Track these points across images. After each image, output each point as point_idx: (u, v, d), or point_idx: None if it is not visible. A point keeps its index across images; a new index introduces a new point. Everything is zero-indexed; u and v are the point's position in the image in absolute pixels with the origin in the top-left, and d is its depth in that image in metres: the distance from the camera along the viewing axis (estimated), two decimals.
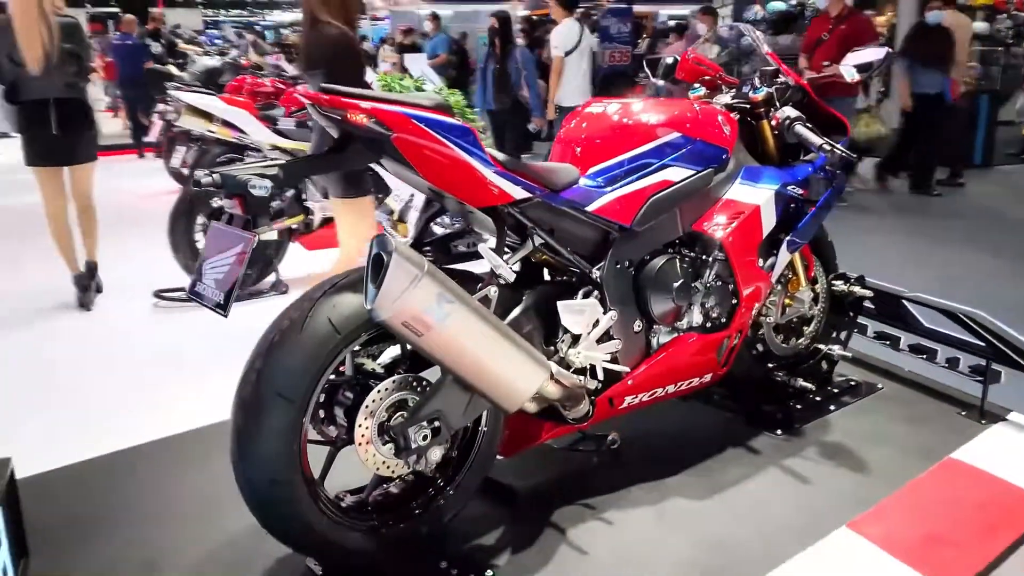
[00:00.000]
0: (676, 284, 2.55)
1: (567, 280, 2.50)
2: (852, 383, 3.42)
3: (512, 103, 7.69)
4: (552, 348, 2.38)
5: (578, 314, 2.35)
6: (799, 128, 2.71)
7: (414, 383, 2.18)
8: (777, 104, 2.86)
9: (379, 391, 2.13)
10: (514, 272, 2.23)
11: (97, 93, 14.29)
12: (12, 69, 4.49)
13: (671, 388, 2.71)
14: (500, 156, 2.17)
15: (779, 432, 3.02)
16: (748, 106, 2.89)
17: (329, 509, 2.13)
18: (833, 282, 3.34)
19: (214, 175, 1.86)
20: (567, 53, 7.25)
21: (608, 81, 14.07)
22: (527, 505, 2.57)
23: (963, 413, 3.16)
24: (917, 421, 3.13)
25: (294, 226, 4.90)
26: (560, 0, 7.26)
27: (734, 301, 2.74)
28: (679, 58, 3.09)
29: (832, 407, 3.23)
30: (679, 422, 3.14)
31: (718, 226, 2.62)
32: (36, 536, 2.37)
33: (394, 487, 2.34)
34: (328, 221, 4.91)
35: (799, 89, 2.93)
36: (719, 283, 2.69)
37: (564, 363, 2.37)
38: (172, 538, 2.43)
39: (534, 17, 15.77)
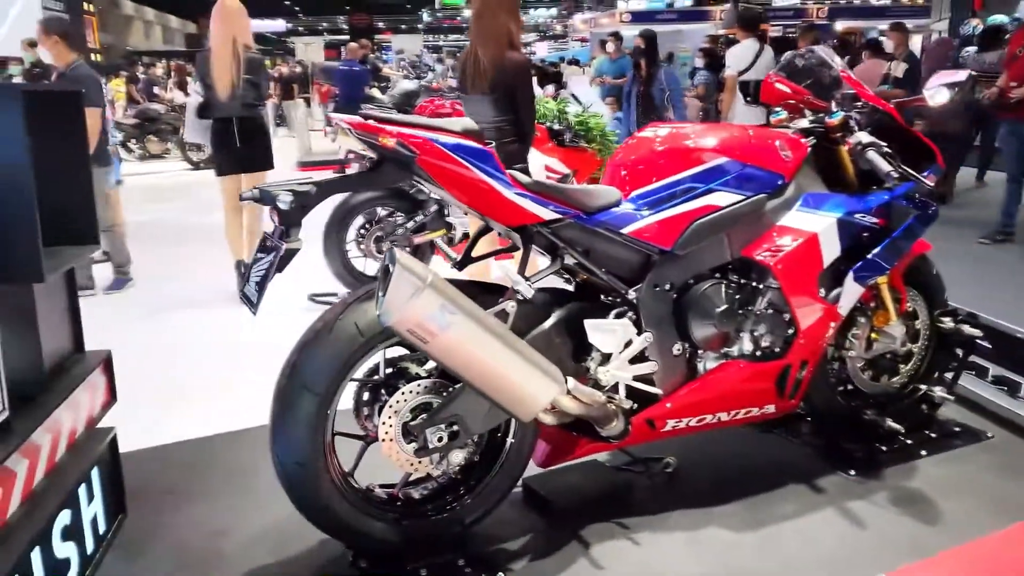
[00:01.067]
0: (719, 309, 2.53)
1: (605, 299, 2.55)
2: (956, 429, 3.18)
3: None
4: (582, 364, 2.44)
5: (607, 333, 2.40)
6: (870, 154, 2.60)
7: (440, 388, 2.33)
8: (855, 129, 2.75)
9: (404, 392, 2.29)
10: (534, 289, 2.32)
11: (318, 114, 15.67)
12: (204, 91, 5.44)
13: (724, 416, 2.68)
14: (524, 178, 2.28)
15: (852, 472, 2.88)
16: (823, 131, 2.80)
17: (353, 496, 2.32)
18: (940, 318, 3.13)
19: (255, 189, 2.11)
20: (741, 72, 7.21)
21: None
22: (560, 517, 2.63)
23: None
24: (1013, 475, 2.87)
25: (438, 239, 5.20)
26: (741, 20, 7.28)
27: (790, 331, 2.67)
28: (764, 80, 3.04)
29: (924, 452, 3.02)
30: (749, 452, 3.07)
31: (769, 253, 2.57)
32: (137, 499, 2.73)
33: (422, 485, 2.49)
34: (466, 236, 5.16)
35: (883, 114, 2.80)
36: (771, 311, 2.63)
37: (594, 380, 2.43)
38: (244, 512, 2.72)
39: (722, 36, 15.48)
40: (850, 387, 3.07)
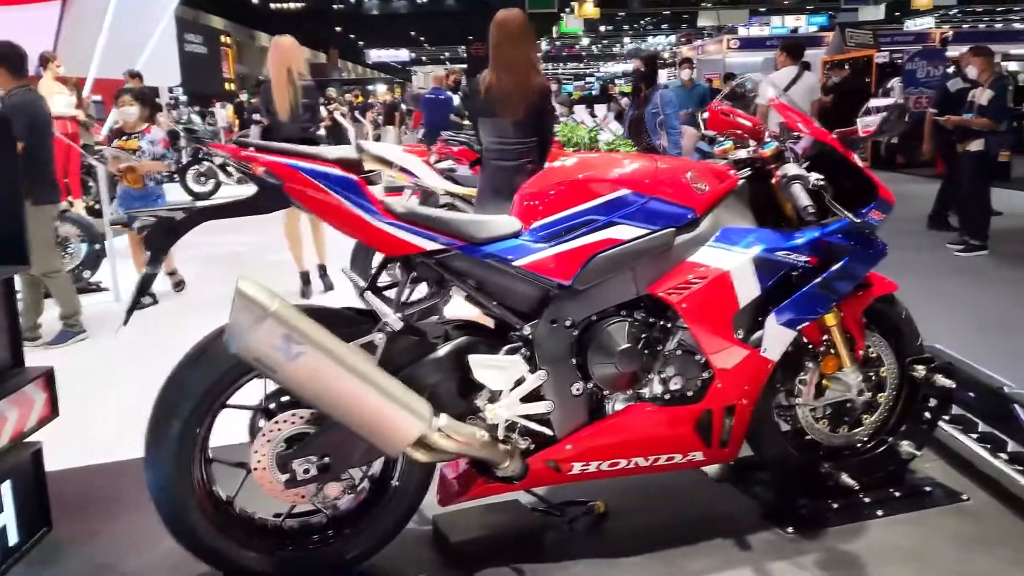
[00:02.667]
0: (620, 348, 2.40)
1: (498, 335, 2.46)
2: (927, 488, 2.89)
3: (645, 151, 7.33)
4: (471, 401, 2.36)
5: (495, 370, 2.31)
6: (793, 187, 2.41)
7: (319, 419, 2.29)
8: (788, 160, 2.57)
9: (278, 421, 2.27)
10: (402, 322, 2.26)
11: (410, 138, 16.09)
12: (268, 116, 6.08)
13: (641, 461, 2.54)
14: (398, 208, 2.23)
15: (789, 530, 2.66)
16: (760, 163, 2.63)
17: (224, 523, 2.31)
18: (913, 366, 2.88)
19: (125, 212, 2.16)
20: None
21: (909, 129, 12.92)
22: (457, 559, 2.54)
23: None
24: (979, 544, 2.58)
25: None
26: (787, 48, 7.20)
27: (705, 374, 2.50)
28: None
29: (880, 512, 2.76)
30: (691, 499, 2.90)
31: (676, 290, 2.41)
32: (72, 514, 2.80)
33: (306, 518, 2.46)
34: None
35: (823, 145, 2.60)
36: (680, 353, 2.47)
37: (483, 419, 2.35)
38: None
39: (838, 61, 14.91)
40: (808, 437, 2.86)
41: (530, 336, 2.38)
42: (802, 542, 2.61)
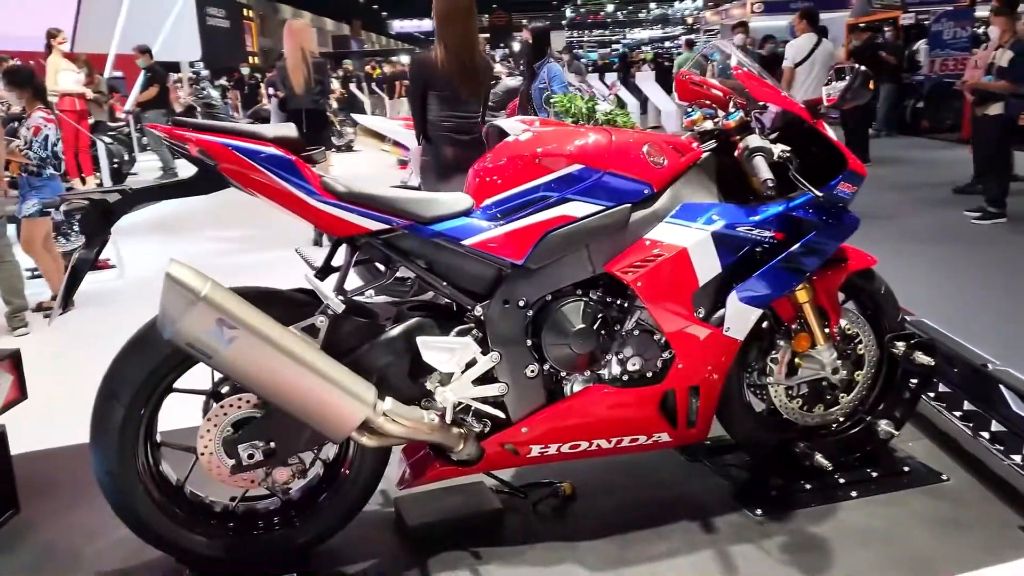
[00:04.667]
0: (574, 329, 2.33)
1: (447, 316, 2.39)
2: (906, 468, 2.81)
3: None
4: (422, 385, 2.31)
5: (444, 352, 2.26)
6: (755, 160, 2.31)
7: (265, 402, 2.25)
8: (754, 131, 2.46)
9: (224, 406, 2.24)
10: (343, 304, 2.20)
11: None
12: (283, 90, 6.75)
13: (604, 443, 2.48)
14: (338, 187, 2.17)
15: (758, 512, 2.59)
16: (722, 134, 2.53)
17: (172, 508, 2.28)
18: (895, 342, 2.78)
19: (56, 196, 2.12)
20: (797, 64, 7.36)
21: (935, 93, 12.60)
22: (416, 542, 2.50)
23: None
24: (953, 527, 2.50)
25: None
26: (805, 14, 7.13)
27: (665, 354, 2.43)
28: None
29: (855, 493, 2.68)
30: (661, 481, 2.83)
31: (630, 269, 2.33)
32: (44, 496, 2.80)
33: (259, 502, 2.43)
34: None
35: (792, 116, 2.49)
36: (638, 333, 2.40)
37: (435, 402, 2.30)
38: None
39: (860, 24, 14.52)
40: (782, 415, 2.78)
41: (482, 317, 2.32)
42: (769, 524, 2.54)
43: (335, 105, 14.28)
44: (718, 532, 2.51)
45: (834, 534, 2.48)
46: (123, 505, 2.24)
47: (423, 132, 4.31)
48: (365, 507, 2.51)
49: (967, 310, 4.63)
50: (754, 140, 2.35)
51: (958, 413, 2.94)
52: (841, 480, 2.73)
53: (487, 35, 36.29)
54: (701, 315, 2.41)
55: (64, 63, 9.47)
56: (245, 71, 22.74)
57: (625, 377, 2.42)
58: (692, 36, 18.51)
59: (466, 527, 2.56)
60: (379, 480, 2.42)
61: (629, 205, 2.34)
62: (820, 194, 2.34)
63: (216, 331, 1.97)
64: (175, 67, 20.06)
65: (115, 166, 10.31)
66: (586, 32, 52.84)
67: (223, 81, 22.56)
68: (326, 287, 2.20)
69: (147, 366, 2.18)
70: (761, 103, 2.51)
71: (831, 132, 2.54)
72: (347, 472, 2.37)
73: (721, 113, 2.63)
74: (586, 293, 2.39)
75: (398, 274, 2.38)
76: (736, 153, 2.40)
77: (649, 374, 2.44)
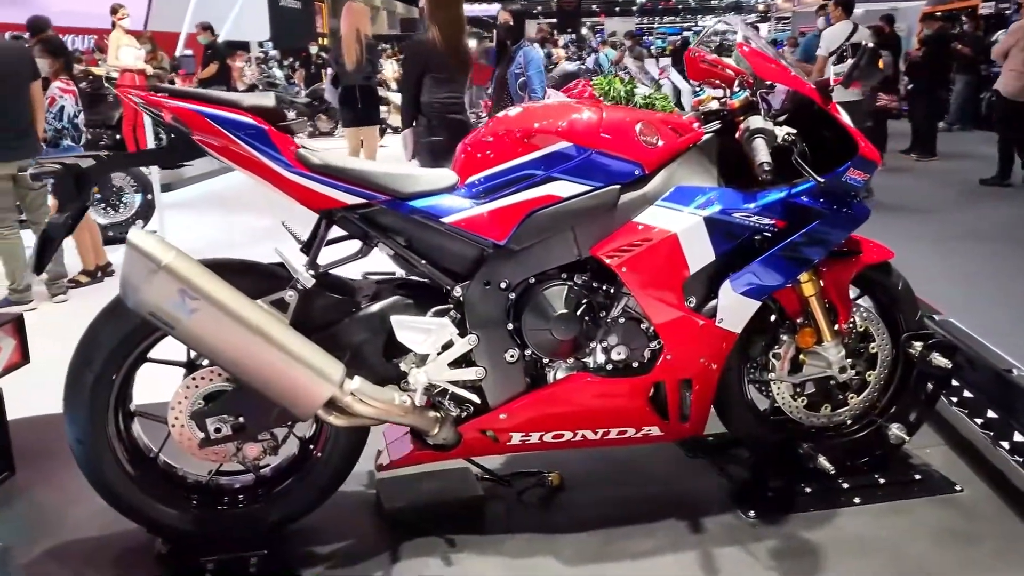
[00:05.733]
0: (556, 314, 2.23)
1: (431, 295, 2.31)
2: (918, 476, 2.64)
3: None
4: (396, 365, 2.25)
5: (420, 332, 2.19)
6: (755, 142, 2.17)
7: None
8: (760, 112, 2.32)
9: (195, 378, 2.21)
10: (314, 278, 2.14)
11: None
12: (337, 67, 7.08)
13: (590, 434, 2.39)
14: (313, 159, 2.11)
15: (751, 514, 2.47)
16: (727, 114, 2.39)
17: (144, 479, 2.27)
18: (911, 342, 2.61)
19: (31, 160, 2.10)
20: (831, 53, 7.15)
21: None
22: (392, 526, 2.45)
23: None
24: (961, 540, 2.35)
25: None
26: (838, 2, 7.15)
27: (653, 344, 2.32)
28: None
29: (858, 499, 2.53)
30: (655, 475, 2.73)
31: (616, 253, 2.22)
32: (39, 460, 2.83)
33: (233, 477, 2.40)
34: None
35: (802, 98, 2.34)
36: (624, 321, 2.29)
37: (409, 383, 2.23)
38: None
39: (936, 13, 13.94)
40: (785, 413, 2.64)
41: (461, 298, 2.24)
42: (762, 527, 2.42)
43: (394, 87, 14.32)
44: (707, 532, 2.40)
45: (829, 541, 2.35)
46: (94, 473, 2.23)
47: (415, 115, 4.45)
48: (350, 487, 2.48)
49: (1005, 313, 4.38)
50: (756, 121, 2.22)
51: (980, 420, 2.76)
52: (845, 485, 2.58)
53: (554, 20, 35.95)
54: (692, 305, 2.29)
55: (125, 39, 9.63)
56: (313, 50, 22.98)
57: (610, 367, 2.32)
58: (759, 23, 18.02)
59: (445, 513, 2.49)
60: (355, 460, 2.37)
61: (618, 186, 2.23)
62: (821, 180, 2.19)
63: (178, 301, 1.93)
64: (244, 46, 20.37)
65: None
66: (656, 18, 52.16)
67: (291, 61, 22.84)
68: (296, 260, 2.15)
69: (119, 333, 2.16)
70: (768, 83, 2.37)
71: (844, 115, 2.39)
72: (321, 451, 2.32)
73: (730, 93, 2.49)
74: (571, 277, 2.28)
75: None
76: (737, 135, 2.27)
77: (636, 364, 2.33)
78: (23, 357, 2.92)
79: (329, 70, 10.40)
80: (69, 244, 5.69)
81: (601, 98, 5.85)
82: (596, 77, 5.95)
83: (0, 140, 4.83)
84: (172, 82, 12.45)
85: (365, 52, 6.93)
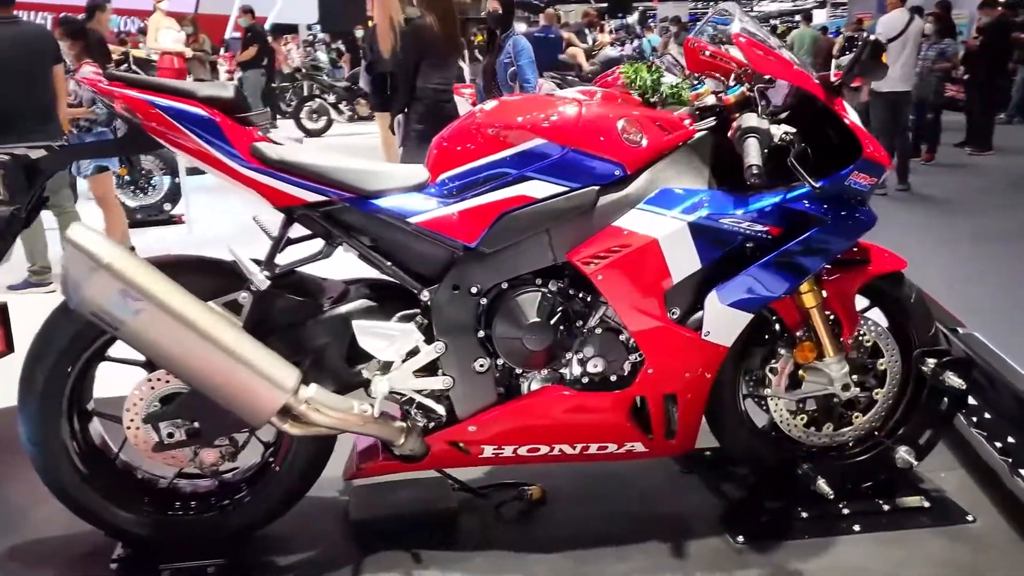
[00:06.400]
0: (528, 322, 2.09)
1: (395, 298, 2.19)
2: (927, 504, 2.45)
3: None
4: (358, 372, 2.14)
5: (383, 338, 2.07)
6: (747, 141, 2.00)
7: None
8: (756, 109, 2.14)
9: (150, 379, 2.13)
10: (269, 279, 2.03)
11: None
12: (371, 54, 6.30)
13: (567, 449, 2.25)
14: (270, 153, 1.99)
15: (739, 539, 2.30)
16: (722, 110, 2.22)
17: (99, 481, 2.19)
18: (924, 359, 2.42)
19: None
20: (889, 40, 7.06)
21: None
22: (359, 538, 2.34)
23: None
24: (967, 573, 2.16)
25: None
26: None
27: (633, 357, 2.17)
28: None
29: (857, 527, 2.35)
30: (644, 493, 2.57)
31: (593, 259, 2.07)
32: None
33: (195, 482, 2.32)
34: None
35: (803, 93, 2.15)
36: (603, 331, 2.15)
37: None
38: None
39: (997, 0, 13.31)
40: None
41: (428, 302, 2.12)
42: (749, 554, 2.26)
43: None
44: (688, 557, 2.25)
45: (821, 572, 2.18)
46: (47, 474, 2.16)
47: (409, 101, 4.48)
48: (325, 493, 2.42)
49: None
50: (750, 119, 2.04)
51: (999, 444, 2.55)
52: (845, 511, 2.40)
53: (604, 4, 35.41)
54: (676, 316, 2.14)
55: (165, 21, 9.70)
56: (359, 34, 23.02)
57: (586, 379, 2.18)
58: (815, 8, 17.50)
59: (414, 525, 2.37)
60: (321, 467, 2.27)
61: (597, 187, 2.08)
62: (816, 186, 2.01)
63: (119, 302, 1.85)
64: (293, 29, 20.41)
65: None
66: (712, 2, 51.19)
67: (339, 45, 22.88)
68: (249, 260, 2.04)
69: (71, 331, 2.07)
70: (767, 77, 2.19)
71: (852, 114, 2.19)
72: (283, 458, 2.22)
73: (729, 86, 2.31)
74: (546, 283, 2.14)
75: None
76: (729, 133, 2.09)
77: (614, 378, 2.18)
78: (7, 346, 2.87)
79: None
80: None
81: (627, 86, 5.70)
82: (623, 65, 5.80)
83: (22, 123, 4.83)
84: (214, 65, 12.54)
85: (399, 39, 6.88)
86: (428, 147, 4.06)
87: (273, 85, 14.01)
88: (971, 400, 2.68)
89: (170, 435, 2.08)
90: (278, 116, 14.39)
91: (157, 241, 6.43)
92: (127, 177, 6.93)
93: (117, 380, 2.24)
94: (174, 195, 7.12)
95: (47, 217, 5.23)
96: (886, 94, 7.60)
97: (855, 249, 2.35)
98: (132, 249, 5.75)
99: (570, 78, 8.74)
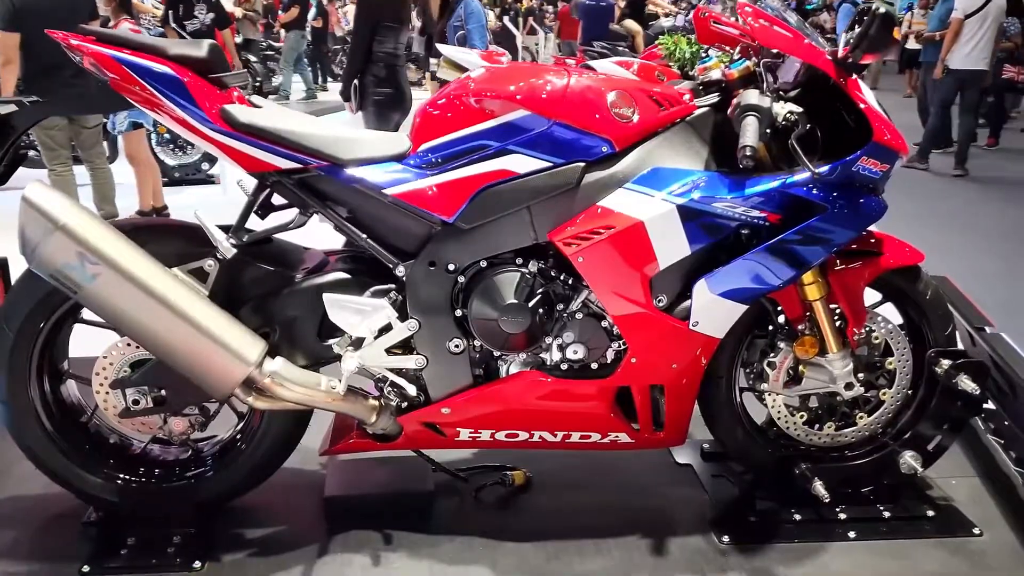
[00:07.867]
0: (505, 303, 1.99)
1: (372, 272, 2.10)
2: (931, 512, 2.30)
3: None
4: (328, 346, 2.06)
5: (354, 313, 1.99)
6: (746, 120, 1.85)
7: None
8: (763, 86, 1.99)
9: (119, 343, 2.08)
10: (235, 247, 1.96)
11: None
12: (425, 16, 6.68)
13: (547, 436, 2.16)
14: (241, 117, 1.91)
15: (725, 539, 2.19)
16: (725, 86, 2.07)
17: (68, 444, 2.16)
18: (938, 359, 2.26)
19: None
20: (968, 16, 7.02)
21: None
22: (330, 516, 2.28)
23: None
24: None
25: None
26: None
27: (615, 345, 2.06)
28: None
29: (852, 534, 2.22)
30: (631, 484, 2.47)
31: (574, 240, 1.96)
32: None
33: (169, 448, 2.28)
34: None
35: (816, 70, 1.99)
36: (584, 316, 2.04)
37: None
38: None
39: None
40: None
41: (404, 278, 2.03)
42: (733, 556, 2.15)
43: (489, 37, 14.08)
44: (667, 556, 2.15)
45: None
46: (17, 434, 2.14)
47: (365, 66, 4.43)
48: (306, 467, 2.40)
49: None
50: (750, 96, 1.89)
51: (1014, 455, 2.38)
52: (841, 516, 2.27)
53: None
54: (662, 304, 2.01)
55: None
56: None
57: (565, 366, 2.08)
58: None
59: (388, 506, 2.31)
60: (294, 443, 2.21)
61: (582, 164, 1.95)
62: (816, 172, 1.86)
63: (76, 265, 1.80)
64: None
65: (257, 84, 10.59)
66: None
67: None
68: (215, 227, 1.96)
69: (40, 291, 2.03)
70: (775, 51, 2.03)
71: (867, 93, 2.03)
72: (254, 431, 2.17)
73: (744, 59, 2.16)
74: (526, 263, 2.03)
75: None
76: (729, 111, 1.95)
77: (596, 365, 2.08)
78: None
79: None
80: (128, 183, 5.77)
81: (666, 59, 5.49)
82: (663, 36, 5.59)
83: (57, 78, 4.84)
84: (267, 26, 12.53)
85: (441, 4, 6.92)
86: (387, 112, 4.20)
87: (326, 48, 13.99)
88: (990, 405, 2.52)
89: (135, 402, 2.04)
90: (329, 79, 14.39)
91: (191, 200, 6.44)
92: (166, 135, 6.96)
93: (100, 340, 2.21)
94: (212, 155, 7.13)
95: (80, 172, 5.28)
96: (957, 71, 7.27)
97: (869, 240, 2.20)
98: (164, 208, 5.79)
99: (621, 49, 8.53)
